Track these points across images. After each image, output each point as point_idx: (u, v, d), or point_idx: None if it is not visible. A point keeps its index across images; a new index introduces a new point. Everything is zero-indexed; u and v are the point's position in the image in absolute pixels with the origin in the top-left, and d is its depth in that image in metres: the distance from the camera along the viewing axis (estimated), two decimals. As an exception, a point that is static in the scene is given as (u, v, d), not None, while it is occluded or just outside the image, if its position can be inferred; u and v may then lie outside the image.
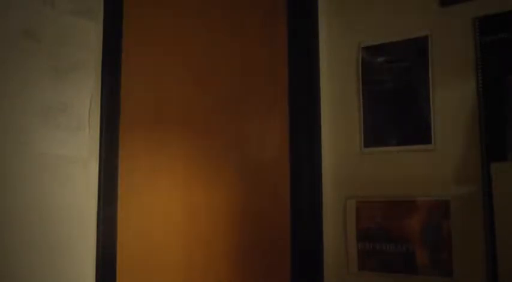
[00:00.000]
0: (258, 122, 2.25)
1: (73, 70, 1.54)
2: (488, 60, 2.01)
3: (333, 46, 2.44)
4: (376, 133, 2.27)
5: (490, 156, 1.94)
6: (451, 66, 2.10)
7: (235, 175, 2.11)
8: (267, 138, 2.28)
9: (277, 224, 2.28)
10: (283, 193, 2.31)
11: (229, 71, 2.14)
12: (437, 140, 2.10)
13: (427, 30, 2.17)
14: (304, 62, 2.41)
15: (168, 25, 1.95)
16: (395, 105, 2.23)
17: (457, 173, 2.03)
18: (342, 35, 2.42)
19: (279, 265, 2.27)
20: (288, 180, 2.33)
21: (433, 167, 2.09)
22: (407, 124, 2.19)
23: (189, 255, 1.90)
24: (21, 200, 1.38)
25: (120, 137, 1.75)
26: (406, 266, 2.10)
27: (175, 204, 1.89)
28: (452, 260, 2.00)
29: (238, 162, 2.13)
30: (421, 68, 2.17)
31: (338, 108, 2.39)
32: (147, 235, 1.79)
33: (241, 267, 2.09)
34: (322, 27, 2.45)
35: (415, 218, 2.08)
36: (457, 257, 2.00)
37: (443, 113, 2.10)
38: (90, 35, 1.61)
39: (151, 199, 1.82)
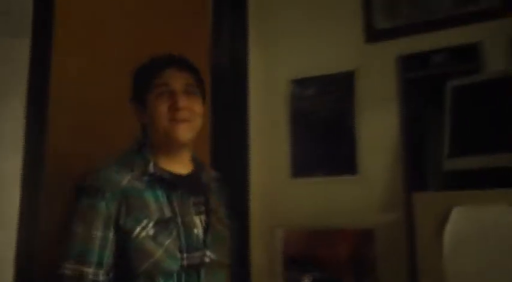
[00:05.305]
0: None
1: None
2: (410, 95, 2.12)
3: (262, 78, 2.48)
4: (304, 163, 2.32)
5: (411, 186, 2.03)
6: (376, 100, 2.20)
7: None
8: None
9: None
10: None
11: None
12: (362, 170, 2.18)
13: (353, 65, 2.27)
14: (233, 92, 2.44)
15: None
16: (323, 136, 2.29)
17: (381, 202, 2.11)
18: (272, 68, 2.47)
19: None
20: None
21: (358, 196, 2.15)
22: (334, 155, 2.25)
23: None
24: None
25: (46, 156, 1.70)
26: (332, 294, 2.13)
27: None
28: (378, 287, 2.05)
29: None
30: (347, 101, 2.26)
31: (267, 139, 2.43)
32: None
33: None
34: (251, 60, 2.49)
35: (342, 246, 2.12)
36: (381, 284, 2.06)
37: (368, 145, 2.19)
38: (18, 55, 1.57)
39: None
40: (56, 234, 1.69)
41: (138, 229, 1.28)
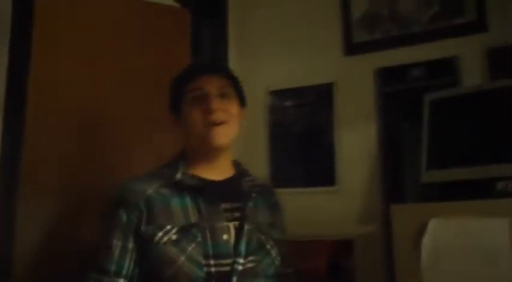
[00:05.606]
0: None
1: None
2: (388, 108, 2.15)
3: (241, 89, 2.48)
4: (282, 174, 2.32)
5: (389, 198, 2.05)
6: (354, 112, 2.23)
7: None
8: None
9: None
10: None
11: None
12: (340, 181, 2.20)
13: (332, 77, 2.29)
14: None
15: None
16: (301, 148, 2.31)
17: (359, 213, 2.13)
18: (251, 79, 2.48)
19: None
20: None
21: (337, 208, 2.17)
22: (313, 166, 2.26)
23: None
24: None
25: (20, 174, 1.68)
26: (310, 305, 2.12)
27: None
28: (356, 298, 2.06)
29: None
30: (326, 113, 2.28)
31: (245, 150, 2.42)
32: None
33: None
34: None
35: (320, 257, 2.12)
36: (360, 294, 2.07)
37: (346, 156, 2.21)
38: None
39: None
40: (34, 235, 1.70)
41: (160, 234, 1.25)
